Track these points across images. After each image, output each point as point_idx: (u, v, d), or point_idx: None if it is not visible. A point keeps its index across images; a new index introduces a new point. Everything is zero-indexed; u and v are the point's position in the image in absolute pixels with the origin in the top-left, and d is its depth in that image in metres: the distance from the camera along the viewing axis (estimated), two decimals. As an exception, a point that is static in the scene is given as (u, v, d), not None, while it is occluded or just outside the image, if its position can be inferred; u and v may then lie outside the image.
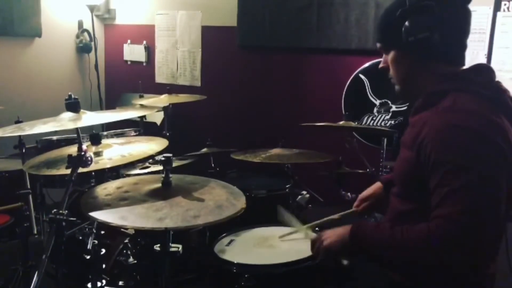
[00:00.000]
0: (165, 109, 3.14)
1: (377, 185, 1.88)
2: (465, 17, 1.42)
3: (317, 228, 1.95)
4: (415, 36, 1.36)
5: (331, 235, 1.49)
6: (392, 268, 1.46)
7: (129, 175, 2.57)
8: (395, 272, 1.48)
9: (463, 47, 1.44)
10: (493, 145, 1.26)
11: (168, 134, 3.02)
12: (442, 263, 1.23)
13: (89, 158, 1.55)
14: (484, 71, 1.42)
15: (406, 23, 1.37)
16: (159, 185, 1.62)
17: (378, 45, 1.53)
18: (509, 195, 1.31)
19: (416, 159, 1.34)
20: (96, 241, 1.96)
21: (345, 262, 1.54)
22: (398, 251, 1.30)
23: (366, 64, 3.20)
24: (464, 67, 1.45)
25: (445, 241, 1.21)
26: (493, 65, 2.69)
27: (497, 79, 1.42)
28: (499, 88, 1.39)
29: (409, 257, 1.28)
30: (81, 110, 1.71)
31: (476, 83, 1.36)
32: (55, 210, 1.43)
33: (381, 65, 1.55)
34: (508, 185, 1.29)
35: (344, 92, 3.30)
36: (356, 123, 3.12)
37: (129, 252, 2.18)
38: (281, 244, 1.96)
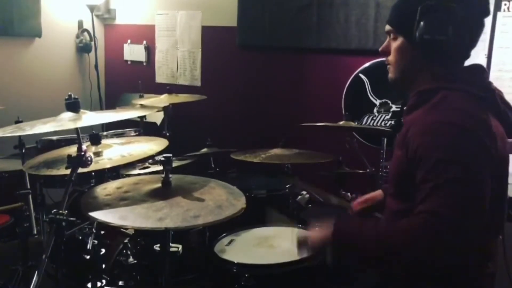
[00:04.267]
0: (165, 109, 3.14)
1: (379, 191, 1.88)
2: (479, 29, 1.41)
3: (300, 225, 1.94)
4: (432, 36, 1.34)
5: (315, 235, 1.45)
6: (374, 266, 1.40)
7: (129, 175, 2.57)
8: (378, 271, 1.45)
9: (467, 56, 1.44)
10: (477, 140, 1.26)
11: (168, 134, 3.02)
12: (425, 259, 1.21)
13: (89, 158, 1.55)
14: (476, 70, 1.42)
15: (426, 19, 1.34)
16: (159, 185, 1.62)
17: (388, 27, 1.49)
18: (499, 194, 1.32)
19: (406, 157, 1.35)
20: (96, 241, 1.96)
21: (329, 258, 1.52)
22: (380, 247, 1.27)
23: (366, 64, 3.20)
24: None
25: (429, 236, 1.20)
26: (493, 65, 2.69)
27: (497, 79, 1.43)
28: (489, 87, 1.39)
29: (391, 254, 1.25)
30: (81, 110, 1.71)
31: (467, 82, 1.36)
32: (55, 210, 1.43)
33: (381, 48, 1.52)
34: (494, 184, 1.29)
35: (344, 92, 3.30)
36: (356, 123, 3.12)
37: (129, 252, 2.18)
38: (281, 244, 1.96)
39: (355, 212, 1.89)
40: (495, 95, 1.38)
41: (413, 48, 1.42)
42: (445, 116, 1.29)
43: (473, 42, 1.42)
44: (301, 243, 1.51)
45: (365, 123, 3.22)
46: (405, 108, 1.49)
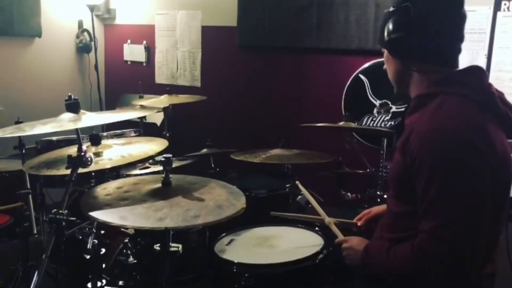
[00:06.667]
0: (165, 109, 3.14)
1: (384, 206, 1.87)
2: (454, 19, 1.42)
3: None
4: (390, 36, 1.44)
5: (350, 247, 1.60)
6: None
7: (129, 176, 2.57)
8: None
9: (454, 49, 1.45)
10: (474, 151, 1.27)
11: (168, 134, 3.02)
12: (429, 278, 1.29)
13: (89, 159, 1.55)
14: (476, 73, 1.42)
15: (388, 23, 1.45)
16: (159, 185, 1.62)
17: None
18: (501, 198, 1.32)
19: (405, 164, 1.37)
20: (96, 241, 1.96)
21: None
22: (392, 270, 1.39)
23: (366, 64, 3.20)
24: (457, 69, 1.45)
25: (429, 258, 1.28)
26: (493, 65, 2.69)
27: (497, 79, 1.43)
28: (489, 90, 1.38)
29: (401, 276, 1.37)
30: (81, 111, 1.71)
31: (466, 86, 1.37)
32: (55, 210, 1.43)
33: (384, 66, 1.60)
34: (496, 189, 1.30)
35: (344, 92, 3.30)
36: (356, 123, 3.12)
37: (129, 252, 2.18)
38: (281, 244, 1.96)
39: (360, 228, 1.89)
40: (495, 97, 1.37)
41: (392, 55, 1.50)
42: (443, 126, 1.30)
43: (452, 35, 1.43)
44: (338, 243, 1.68)
45: (365, 123, 3.22)
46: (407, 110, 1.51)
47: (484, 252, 1.33)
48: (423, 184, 1.29)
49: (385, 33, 1.46)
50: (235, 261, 1.79)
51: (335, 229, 1.81)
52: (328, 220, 1.88)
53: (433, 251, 1.27)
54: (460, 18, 1.42)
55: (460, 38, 1.44)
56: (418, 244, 1.30)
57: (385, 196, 2.42)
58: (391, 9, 1.45)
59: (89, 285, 1.96)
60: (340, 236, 1.73)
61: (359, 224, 1.89)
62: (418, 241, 1.30)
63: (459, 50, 1.45)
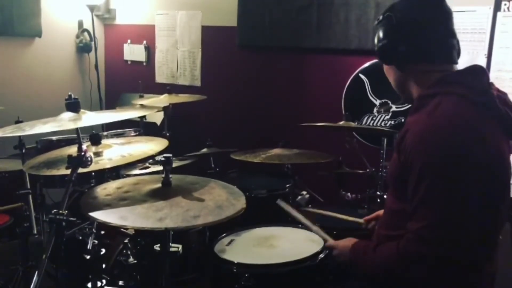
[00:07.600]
0: (165, 109, 3.14)
1: None
2: (437, 18, 1.44)
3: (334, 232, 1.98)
4: (377, 45, 1.50)
5: (339, 249, 1.62)
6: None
7: (129, 176, 2.57)
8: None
9: (447, 46, 1.45)
10: (464, 152, 1.27)
11: (168, 134, 3.02)
12: (413, 278, 1.30)
13: (89, 159, 1.55)
14: (475, 73, 1.42)
15: (376, 35, 1.51)
16: (159, 185, 1.62)
17: None
18: (495, 199, 1.32)
19: (400, 163, 1.38)
20: (96, 241, 1.96)
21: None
22: (376, 269, 1.42)
23: (366, 64, 3.20)
24: (459, 69, 1.46)
25: (412, 258, 1.29)
26: (493, 65, 2.69)
27: (497, 79, 1.43)
28: (488, 91, 1.38)
29: (386, 275, 1.39)
30: (81, 110, 1.71)
31: (465, 86, 1.37)
32: (55, 210, 1.43)
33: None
34: (491, 190, 1.30)
35: (344, 92, 3.29)
36: (356, 123, 3.12)
37: (129, 252, 2.19)
38: (281, 244, 1.96)
39: (367, 228, 1.90)
40: (494, 98, 1.37)
41: (385, 63, 1.54)
42: (434, 126, 1.31)
43: (439, 32, 1.44)
44: (329, 247, 1.73)
45: (365, 123, 3.22)
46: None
47: (475, 253, 1.33)
48: (414, 183, 1.31)
49: (375, 44, 1.52)
50: (235, 261, 1.79)
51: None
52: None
53: (417, 251, 1.28)
54: (443, 15, 1.45)
55: (449, 34, 1.45)
56: (404, 244, 1.31)
57: (385, 196, 2.42)
58: (376, 21, 1.51)
59: (89, 285, 1.96)
60: (330, 240, 1.78)
61: (366, 225, 1.92)
62: (404, 241, 1.32)
63: (453, 46, 1.46)
